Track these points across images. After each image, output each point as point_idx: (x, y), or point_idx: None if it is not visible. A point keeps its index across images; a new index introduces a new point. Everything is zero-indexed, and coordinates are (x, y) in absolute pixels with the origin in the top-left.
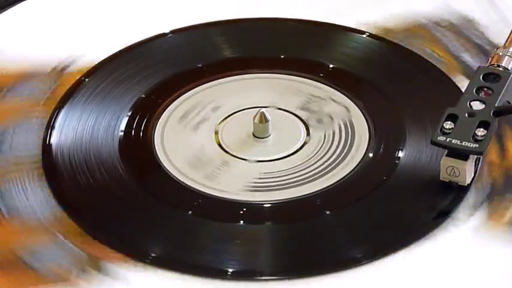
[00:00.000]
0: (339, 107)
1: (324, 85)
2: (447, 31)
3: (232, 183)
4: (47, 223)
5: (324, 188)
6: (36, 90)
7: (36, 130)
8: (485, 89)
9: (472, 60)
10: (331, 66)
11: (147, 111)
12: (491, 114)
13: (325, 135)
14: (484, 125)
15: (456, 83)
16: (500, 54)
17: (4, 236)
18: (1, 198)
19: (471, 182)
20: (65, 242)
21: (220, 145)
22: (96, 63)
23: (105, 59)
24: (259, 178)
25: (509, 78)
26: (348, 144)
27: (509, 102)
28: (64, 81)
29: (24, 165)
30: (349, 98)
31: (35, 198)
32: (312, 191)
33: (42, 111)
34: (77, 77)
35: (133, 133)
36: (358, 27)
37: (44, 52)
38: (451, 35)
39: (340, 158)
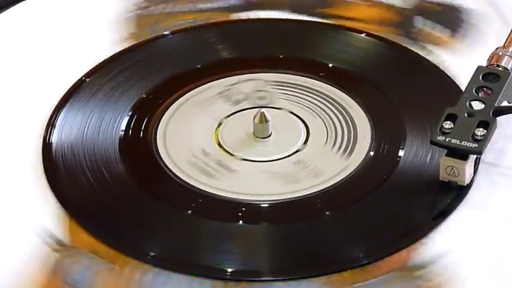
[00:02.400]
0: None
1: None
2: None
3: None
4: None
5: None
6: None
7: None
8: (485, 89)
9: None
10: (330, 65)
11: (147, 111)
12: (491, 114)
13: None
14: (484, 124)
15: (456, 83)
16: (500, 54)
17: None
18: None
19: (470, 181)
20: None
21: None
22: (97, 63)
23: (106, 59)
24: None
25: (509, 78)
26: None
27: (509, 102)
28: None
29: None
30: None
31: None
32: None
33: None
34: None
35: (133, 133)
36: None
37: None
38: None
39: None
